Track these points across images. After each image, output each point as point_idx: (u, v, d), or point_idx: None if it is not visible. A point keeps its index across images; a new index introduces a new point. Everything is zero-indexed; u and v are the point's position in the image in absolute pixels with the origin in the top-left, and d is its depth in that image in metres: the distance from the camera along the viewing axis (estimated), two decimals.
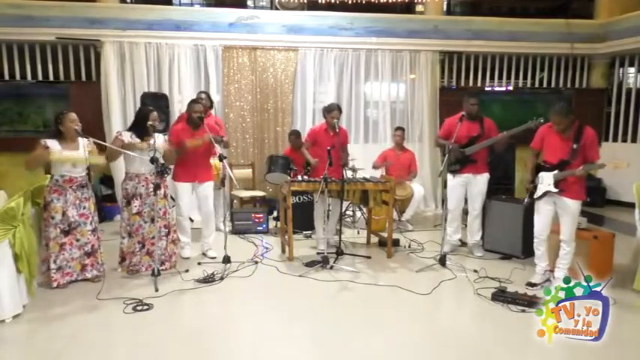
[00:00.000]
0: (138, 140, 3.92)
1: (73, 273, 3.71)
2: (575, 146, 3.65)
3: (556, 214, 3.82)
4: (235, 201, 6.01)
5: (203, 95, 5.13)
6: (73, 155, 3.60)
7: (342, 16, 6.86)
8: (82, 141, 3.66)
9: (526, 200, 3.99)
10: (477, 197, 4.64)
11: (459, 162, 4.58)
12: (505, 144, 4.59)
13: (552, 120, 3.74)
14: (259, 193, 6.06)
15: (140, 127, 3.95)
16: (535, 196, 3.84)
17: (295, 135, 5.96)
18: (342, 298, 3.64)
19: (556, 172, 3.71)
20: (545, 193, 3.77)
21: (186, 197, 4.55)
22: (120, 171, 5.19)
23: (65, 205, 3.61)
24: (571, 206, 3.70)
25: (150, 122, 3.89)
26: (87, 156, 3.61)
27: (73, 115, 3.62)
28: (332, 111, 4.76)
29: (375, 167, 5.86)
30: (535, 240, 3.92)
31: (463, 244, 4.96)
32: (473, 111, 4.53)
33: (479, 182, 4.61)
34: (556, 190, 3.70)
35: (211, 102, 5.27)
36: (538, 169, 3.87)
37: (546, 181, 3.76)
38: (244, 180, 6.33)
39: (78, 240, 3.69)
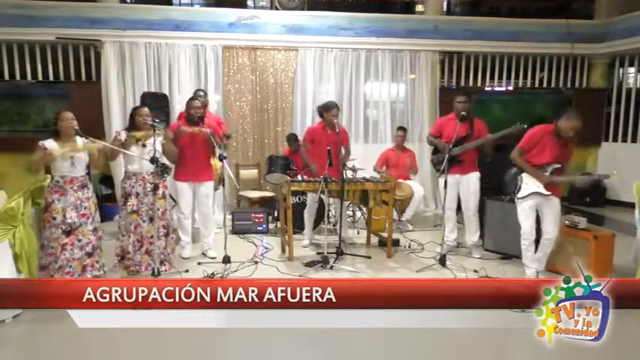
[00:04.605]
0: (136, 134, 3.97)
1: (74, 273, 3.70)
2: (566, 150, 3.78)
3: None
4: (242, 201, 6.02)
5: (201, 93, 5.13)
6: (73, 146, 3.57)
7: (341, 16, 6.85)
8: (81, 140, 3.65)
9: (515, 197, 3.94)
10: (469, 197, 4.60)
11: (448, 162, 4.55)
12: (492, 146, 4.58)
13: (571, 126, 3.68)
14: (268, 194, 6.06)
15: (133, 125, 4.03)
16: (520, 196, 3.84)
17: (293, 138, 5.95)
18: None
19: (547, 174, 3.75)
20: (532, 194, 3.79)
21: (187, 197, 4.55)
22: (120, 170, 5.19)
23: (65, 206, 3.59)
24: (557, 205, 3.82)
25: (139, 117, 3.97)
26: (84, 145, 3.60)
27: (67, 114, 3.61)
28: (331, 109, 4.72)
29: (376, 171, 5.86)
30: (525, 241, 3.90)
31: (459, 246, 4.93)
32: (460, 109, 4.47)
33: (469, 182, 4.57)
34: (548, 193, 3.76)
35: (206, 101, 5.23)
36: (522, 170, 3.88)
37: (533, 182, 3.79)
38: (250, 180, 6.33)
39: (79, 240, 3.66)
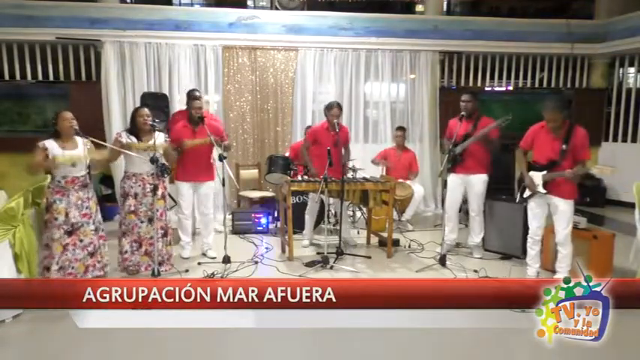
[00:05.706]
0: (135, 141, 3.96)
1: (76, 274, 3.68)
2: (564, 147, 3.64)
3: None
4: (242, 201, 6.01)
5: (197, 93, 5.12)
6: (74, 154, 3.58)
7: (341, 16, 6.86)
8: (81, 140, 3.65)
9: (517, 199, 4.01)
10: (472, 198, 4.60)
11: (451, 161, 4.56)
12: (496, 144, 4.52)
13: (547, 117, 3.69)
14: (268, 194, 6.06)
15: (134, 126, 4.03)
16: (524, 196, 3.85)
17: None
18: None
19: (544, 172, 3.72)
20: (534, 194, 3.78)
21: (188, 197, 4.55)
22: (120, 170, 5.19)
23: (68, 206, 3.58)
24: (562, 206, 3.70)
25: (139, 118, 3.97)
26: (86, 153, 3.59)
27: (67, 114, 3.60)
28: (331, 108, 4.71)
29: (373, 162, 5.85)
30: (529, 240, 3.91)
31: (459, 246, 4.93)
32: (463, 108, 4.47)
33: (473, 183, 4.56)
34: (544, 192, 3.72)
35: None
36: (528, 168, 3.85)
37: (535, 181, 3.77)
38: (250, 180, 6.33)
39: (81, 241, 3.64)
